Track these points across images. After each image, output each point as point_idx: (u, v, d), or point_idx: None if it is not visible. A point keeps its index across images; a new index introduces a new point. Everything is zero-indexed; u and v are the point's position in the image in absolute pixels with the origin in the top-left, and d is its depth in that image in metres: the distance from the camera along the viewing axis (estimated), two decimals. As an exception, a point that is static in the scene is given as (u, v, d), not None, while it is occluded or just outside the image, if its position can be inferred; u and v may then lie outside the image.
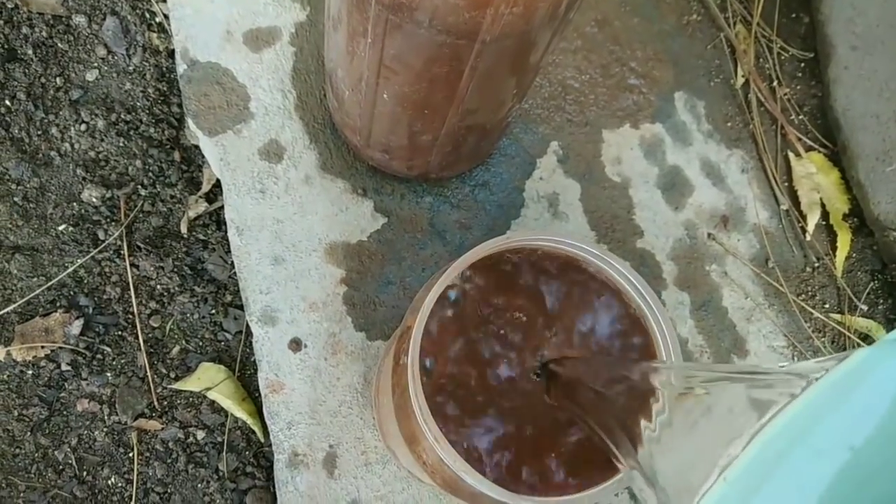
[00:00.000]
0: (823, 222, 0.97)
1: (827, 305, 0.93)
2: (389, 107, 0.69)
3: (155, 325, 0.92)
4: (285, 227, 0.82)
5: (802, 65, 1.04)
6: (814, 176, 0.97)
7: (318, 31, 0.91)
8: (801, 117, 1.01)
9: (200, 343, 0.93)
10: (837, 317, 0.92)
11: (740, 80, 1.00)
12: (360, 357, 0.80)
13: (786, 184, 0.98)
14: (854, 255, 0.96)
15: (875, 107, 0.91)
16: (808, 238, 0.95)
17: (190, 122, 0.86)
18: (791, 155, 0.98)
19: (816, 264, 0.94)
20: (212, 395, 0.87)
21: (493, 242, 0.50)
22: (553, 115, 0.93)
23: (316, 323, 0.80)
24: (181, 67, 0.87)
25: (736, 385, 0.27)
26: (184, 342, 0.92)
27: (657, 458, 0.31)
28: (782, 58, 1.04)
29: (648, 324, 0.51)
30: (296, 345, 0.79)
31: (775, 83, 1.02)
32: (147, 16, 1.06)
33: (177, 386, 0.87)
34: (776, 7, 1.05)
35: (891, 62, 0.90)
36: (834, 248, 0.95)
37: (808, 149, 0.99)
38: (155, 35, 1.05)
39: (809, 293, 0.93)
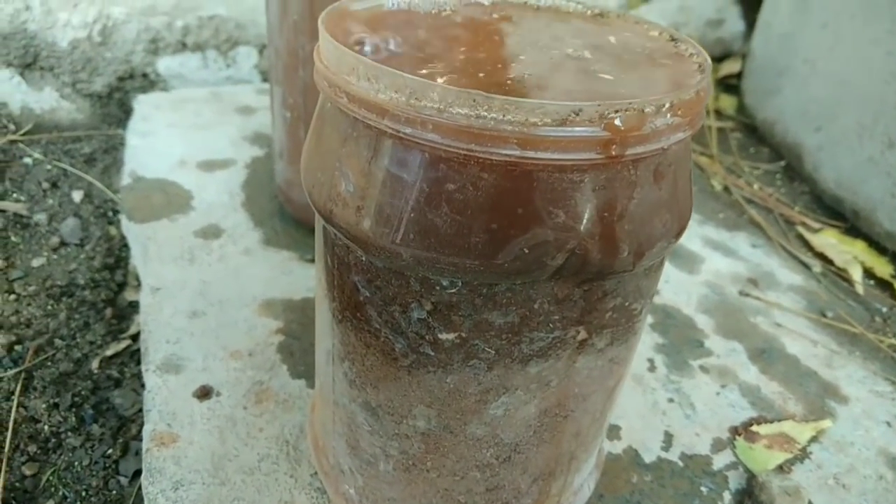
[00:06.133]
0: (871, 281, 0.81)
1: (925, 348, 0.70)
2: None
3: (28, 473, 0.67)
4: (212, 287, 0.67)
5: (777, 175, 1.01)
6: (836, 246, 0.85)
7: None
8: (797, 208, 0.93)
9: (84, 494, 0.66)
10: (947, 357, 0.69)
11: (718, 187, 0.96)
12: (295, 406, 0.56)
13: (808, 254, 0.84)
14: (928, 306, 0.77)
15: (865, 153, 0.85)
16: (862, 292, 0.78)
17: (123, 219, 0.77)
18: (803, 231, 0.88)
19: (887, 313, 0.75)
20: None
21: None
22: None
23: (237, 371, 0.58)
24: (125, 182, 0.83)
25: None
26: (62, 493, 0.65)
27: None
28: (755, 173, 1.01)
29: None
30: (204, 392, 0.56)
31: (756, 186, 0.97)
32: (110, 214, 1.06)
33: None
34: (731, 148, 1.08)
35: (856, 112, 0.87)
36: (897, 299, 0.77)
37: (818, 230, 0.89)
38: (113, 227, 1.03)
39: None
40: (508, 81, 0.32)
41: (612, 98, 0.32)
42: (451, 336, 0.34)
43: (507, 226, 0.30)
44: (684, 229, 0.36)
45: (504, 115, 0.28)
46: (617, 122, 0.28)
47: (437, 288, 0.32)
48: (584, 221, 0.30)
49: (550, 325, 0.34)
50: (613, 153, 0.29)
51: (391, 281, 0.33)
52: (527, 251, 0.30)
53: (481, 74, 0.32)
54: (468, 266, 0.31)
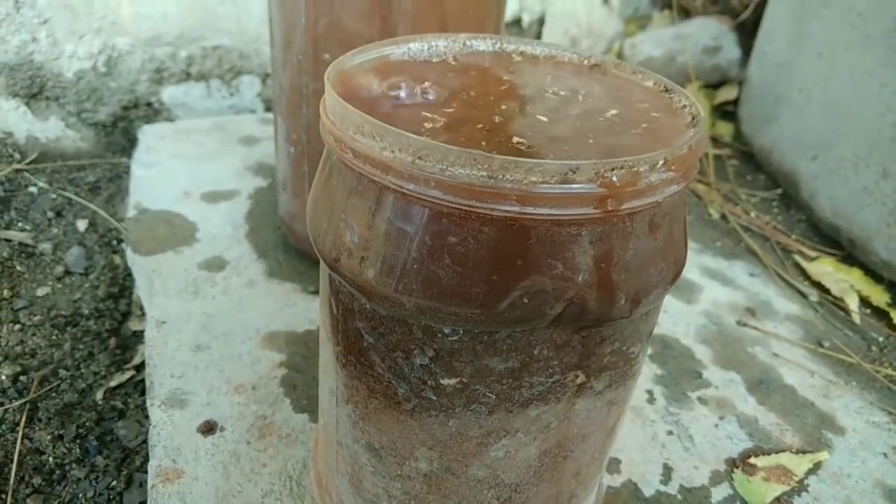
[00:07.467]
0: (867, 310, 0.81)
1: (923, 378, 0.71)
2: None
3: (31, 507, 0.67)
4: (216, 320, 0.68)
5: (774, 203, 1.02)
6: (833, 274, 0.86)
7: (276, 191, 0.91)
8: (793, 237, 0.94)
9: (87, 526, 0.66)
10: (944, 387, 0.69)
11: (715, 215, 0.97)
12: (298, 440, 0.56)
13: (805, 283, 0.85)
14: (925, 334, 0.78)
15: (860, 182, 0.87)
16: (858, 322, 0.78)
17: (128, 251, 0.78)
18: (800, 259, 0.89)
19: (883, 342, 0.76)
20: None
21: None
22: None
23: (241, 405, 0.59)
24: (130, 214, 0.84)
25: None
26: (64, 525, 0.66)
27: None
28: (752, 201, 1.02)
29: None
30: (208, 427, 0.56)
31: (753, 214, 0.98)
32: (115, 243, 1.06)
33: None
34: (728, 175, 1.09)
35: (851, 142, 0.89)
36: (893, 327, 0.78)
37: (814, 258, 0.90)
38: (117, 256, 1.04)
39: (894, 367, 0.72)
40: (504, 135, 0.33)
41: (609, 152, 0.33)
42: (452, 381, 0.35)
43: (506, 277, 0.31)
44: (679, 275, 0.37)
45: (504, 174, 0.29)
46: (613, 179, 0.30)
47: (440, 335, 0.33)
48: (582, 272, 0.31)
49: (550, 369, 0.35)
50: (609, 208, 0.30)
51: (394, 328, 0.34)
52: (526, 301, 0.31)
53: (480, 127, 0.33)
54: (469, 315, 0.32)
